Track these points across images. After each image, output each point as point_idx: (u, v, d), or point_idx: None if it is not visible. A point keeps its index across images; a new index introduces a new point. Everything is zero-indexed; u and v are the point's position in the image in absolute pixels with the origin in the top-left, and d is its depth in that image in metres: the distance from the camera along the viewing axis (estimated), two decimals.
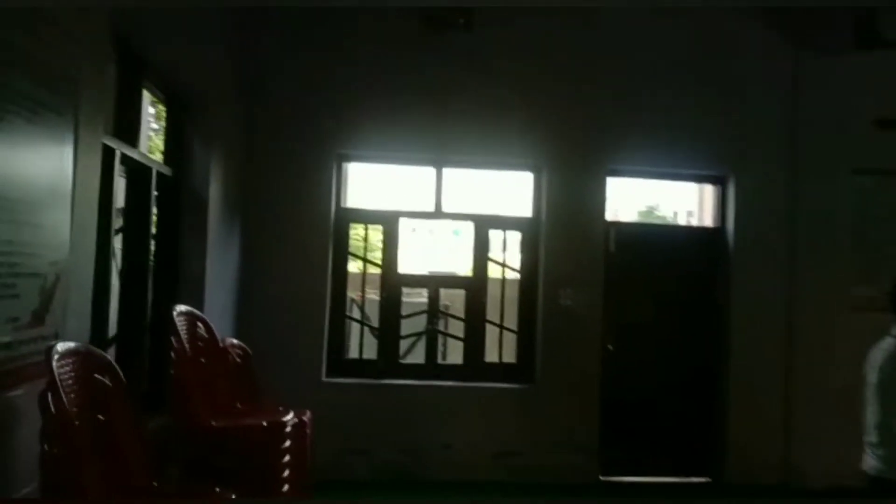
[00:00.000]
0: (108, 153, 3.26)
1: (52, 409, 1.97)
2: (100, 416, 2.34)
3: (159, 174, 4.14)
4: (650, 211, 13.39)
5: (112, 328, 3.72)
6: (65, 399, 2.01)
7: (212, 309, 4.60)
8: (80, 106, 2.54)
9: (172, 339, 3.20)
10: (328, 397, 5.87)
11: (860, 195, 6.57)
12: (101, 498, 2.09)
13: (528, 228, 6.39)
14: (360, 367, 6.20)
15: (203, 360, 3.48)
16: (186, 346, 3.31)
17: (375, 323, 6.32)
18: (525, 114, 6.22)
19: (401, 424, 5.98)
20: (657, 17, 6.23)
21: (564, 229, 6.26)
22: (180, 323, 3.30)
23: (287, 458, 3.36)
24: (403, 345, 6.77)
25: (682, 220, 7.47)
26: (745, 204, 6.44)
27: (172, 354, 3.19)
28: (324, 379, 5.99)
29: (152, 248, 4.20)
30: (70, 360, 2.21)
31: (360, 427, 5.93)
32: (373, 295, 6.56)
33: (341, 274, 6.20)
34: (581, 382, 6.13)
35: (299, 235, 5.96)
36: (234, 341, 4.47)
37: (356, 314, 7.02)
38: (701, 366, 6.46)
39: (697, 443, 6.40)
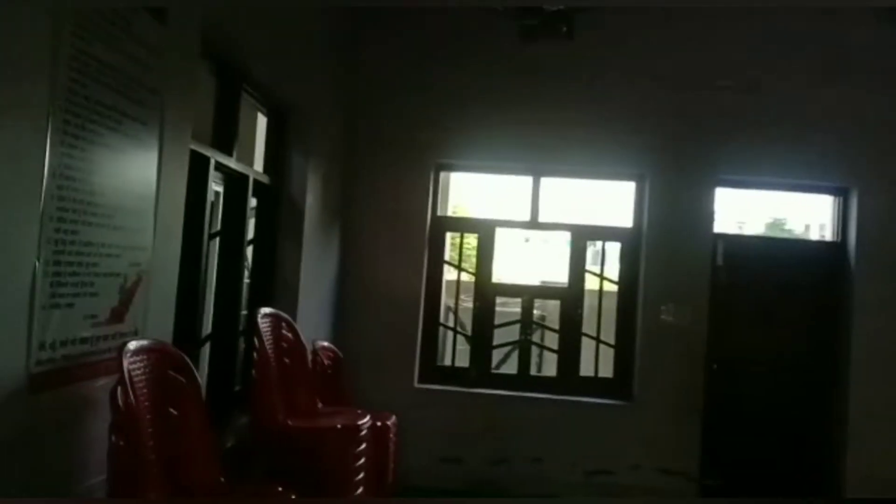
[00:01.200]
0: (201, 161, 3.44)
1: (121, 403, 2.09)
2: (172, 411, 2.45)
3: (257, 182, 4.32)
4: (778, 224, 12.60)
5: (206, 329, 3.92)
6: (132, 394, 2.12)
7: (305, 313, 4.74)
8: (165, 116, 2.69)
9: (255, 340, 3.32)
10: (419, 404, 5.91)
11: None
12: (162, 491, 2.19)
13: (629, 239, 6.17)
14: (453, 374, 6.20)
15: (287, 360, 3.58)
16: (269, 347, 3.42)
17: (469, 331, 6.30)
18: (628, 121, 6.02)
19: (491, 435, 5.91)
20: (777, 13, 5.85)
21: (668, 241, 5.99)
22: (264, 325, 3.43)
23: (362, 461, 3.39)
24: (498, 355, 6.74)
25: (814, 235, 6.93)
26: (870, 217, 5.92)
27: (255, 355, 3.31)
28: (416, 385, 6.04)
29: (249, 253, 4.39)
30: (143, 357, 2.34)
31: (450, 435, 5.92)
32: (468, 303, 6.56)
33: (436, 281, 6.23)
34: (682, 402, 5.83)
35: (396, 243, 6.05)
36: (325, 344, 4.58)
37: (451, 322, 7.05)
38: (816, 389, 5.99)
39: (811, 473, 5.94)
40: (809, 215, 8.08)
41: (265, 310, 3.54)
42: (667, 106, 5.99)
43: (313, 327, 4.89)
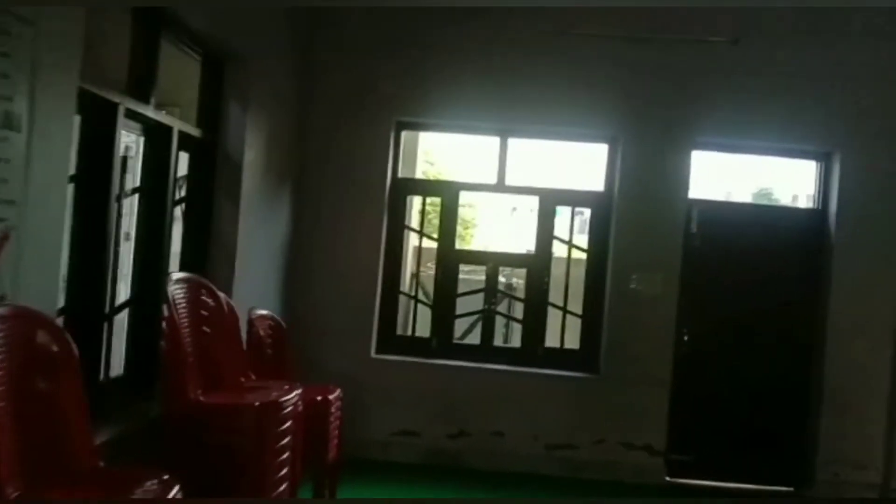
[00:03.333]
0: (107, 108, 3.10)
1: None
2: (41, 386, 2.15)
3: (187, 136, 3.97)
4: (764, 194, 12.31)
5: (125, 294, 3.61)
6: None
7: (245, 279, 4.43)
8: (39, 50, 2.34)
9: (164, 308, 3.01)
10: (377, 375, 5.66)
11: None
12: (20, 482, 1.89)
13: (600, 205, 5.86)
14: (413, 345, 5.93)
15: (207, 330, 3.28)
16: (184, 315, 3.11)
17: (429, 300, 6.02)
18: (602, 80, 5.67)
19: (452, 408, 5.67)
20: None
21: (640, 206, 5.69)
22: (177, 291, 3.11)
23: (286, 440, 3.11)
24: (463, 325, 6.48)
25: (802, 206, 6.63)
26: (852, 184, 5.63)
27: (164, 325, 3.00)
28: (373, 356, 5.76)
29: (179, 212, 4.05)
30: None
31: (408, 408, 5.67)
32: (430, 271, 6.27)
33: (396, 247, 5.92)
34: (650, 375, 5.59)
35: (353, 205, 5.72)
36: (264, 313, 4.28)
37: (418, 290, 6.77)
38: (791, 362, 5.75)
39: (782, 448, 5.73)
40: (797, 185, 7.81)
41: (178, 274, 3.22)
42: (642, 64, 5.64)
43: (256, 295, 4.57)
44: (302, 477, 3.74)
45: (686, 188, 5.74)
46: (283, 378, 3.98)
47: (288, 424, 3.15)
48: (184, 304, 3.15)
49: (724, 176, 6.96)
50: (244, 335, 3.93)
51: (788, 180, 7.80)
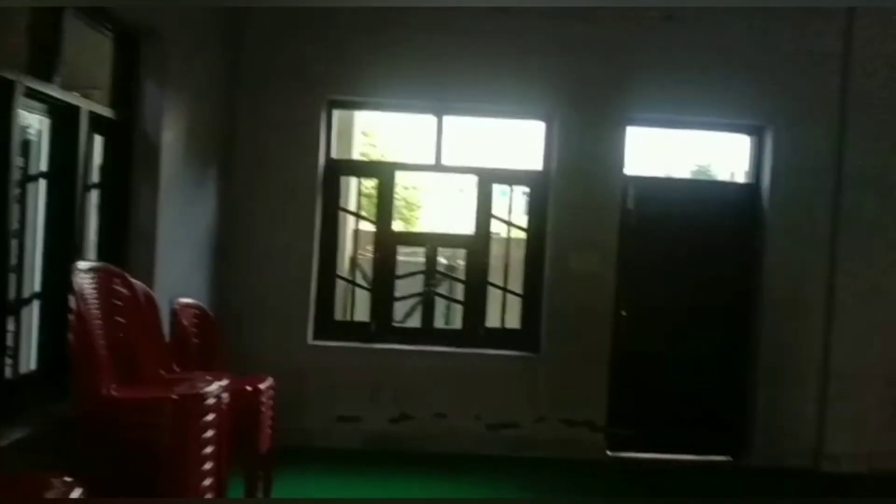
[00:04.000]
0: (4, 87, 2.88)
1: None
2: None
3: (99, 116, 3.74)
4: (703, 171, 12.45)
5: (34, 286, 3.40)
6: None
7: (168, 266, 4.24)
8: None
9: (71, 300, 2.83)
10: (315, 361, 5.56)
11: None
12: None
13: (538, 183, 5.82)
14: (351, 329, 5.81)
15: (122, 321, 3.11)
16: (95, 306, 2.94)
17: (368, 283, 5.90)
18: (537, 56, 5.60)
19: (392, 392, 5.60)
20: None
21: (577, 184, 5.68)
22: (85, 281, 2.93)
23: (209, 433, 2.97)
24: (404, 307, 6.40)
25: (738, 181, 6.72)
26: (784, 159, 5.72)
27: (71, 318, 2.82)
28: (310, 342, 5.62)
29: (94, 198, 3.84)
30: None
31: (348, 393, 5.58)
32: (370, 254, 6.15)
33: (332, 229, 5.77)
34: (589, 352, 5.62)
35: (285, 188, 5.55)
36: (188, 301, 4.09)
37: (356, 274, 6.66)
38: (727, 336, 5.84)
39: (719, 420, 5.83)
40: (735, 162, 7.93)
41: (85, 263, 3.02)
42: (577, 41, 5.60)
43: (180, 283, 4.38)
44: (230, 470, 3.60)
45: (622, 165, 5.74)
46: (211, 369, 3.83)
47: (211, 417, 3.01)
48: (94, 295, 2.96)
49: (664, 154, 7.00)
50: (167, 326, 3.77)
51: (727, 157, 7.90)
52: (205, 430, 2.98)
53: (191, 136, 4.57)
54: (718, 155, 8.46)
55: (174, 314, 3.87)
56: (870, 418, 5.59)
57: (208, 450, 3.02)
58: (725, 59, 5.63)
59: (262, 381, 4.06)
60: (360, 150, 6.77)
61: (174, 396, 2.87)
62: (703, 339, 5.83)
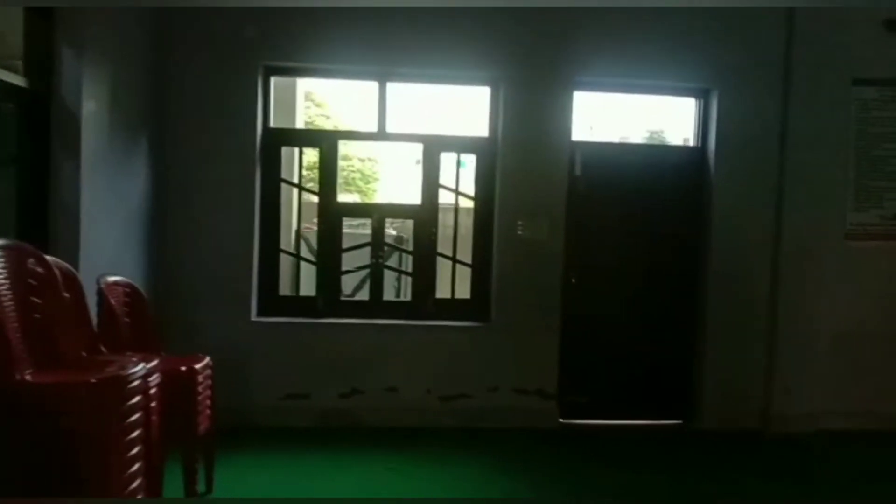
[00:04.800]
0: None
1: None
2: None
3: (8, 85, 3.50)
4: (656, 136, 12.45)
5: None
6: None
7: (94, 242, 4.02)
8: None
9: None
10: (260, 338, 5.40)
11: (861, 110, 5.81)
12: None
13: (485, 150, 5.70)
14: (297, 305, 5.66)
15: (38, 301, 2.92)
16: (4, 287, 2.74)
17: (314, 257, 5.74)
18: (481, 20, 5.45)
19: (341, 367, 5.47)
20: None
21: (524, 151, 5.58)
22: None
23: (136, 416, 2.82)
24: (353, 281, 6.26)
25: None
26: (729, 121, 5.71)
27: None
28: (254, 318, 5.46)
29: (10, 172, 3.61)
30: None
31: (296, 370, 5.44)
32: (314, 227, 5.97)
33: (273, 202, 5.57)
34: (540, 320, 5.56)
35: (221, 160, 5.31)
36: (116, 279, 3.89)
37: (302, 247, 6.48)
38: (677, 300, 5.85)
39: (670, 385, 5.86)
40: (686, 127, 7.90)
41: None
42: (522, 4, 5.44)
43: (110, 259, 4.18)
44: (167, 454, 3.47)
45: (569, 130, 5.65)
46: (143, 350, 3.66)
47: (136, 399, 2.85)
48: (4, 275, 2.77)
49: (617, 119, 6.92)
50: (94, 306, 3.57)
51: (679, 122, 7.87)
52: (129, 415, 2.82)
53: (116, 106, 4.33)
54: (671, 120, 8.42)
55: (101, 293, 3.67)
56: (817, 378, 5.66)
57: (135, 434, 2.87)
58: (671, 22, 5.56)
59: (199, 360, 3.90)
60: (308, 119, 6.52)
61: (92, 380, 2.70)
62: (654, 303, 5.83)
